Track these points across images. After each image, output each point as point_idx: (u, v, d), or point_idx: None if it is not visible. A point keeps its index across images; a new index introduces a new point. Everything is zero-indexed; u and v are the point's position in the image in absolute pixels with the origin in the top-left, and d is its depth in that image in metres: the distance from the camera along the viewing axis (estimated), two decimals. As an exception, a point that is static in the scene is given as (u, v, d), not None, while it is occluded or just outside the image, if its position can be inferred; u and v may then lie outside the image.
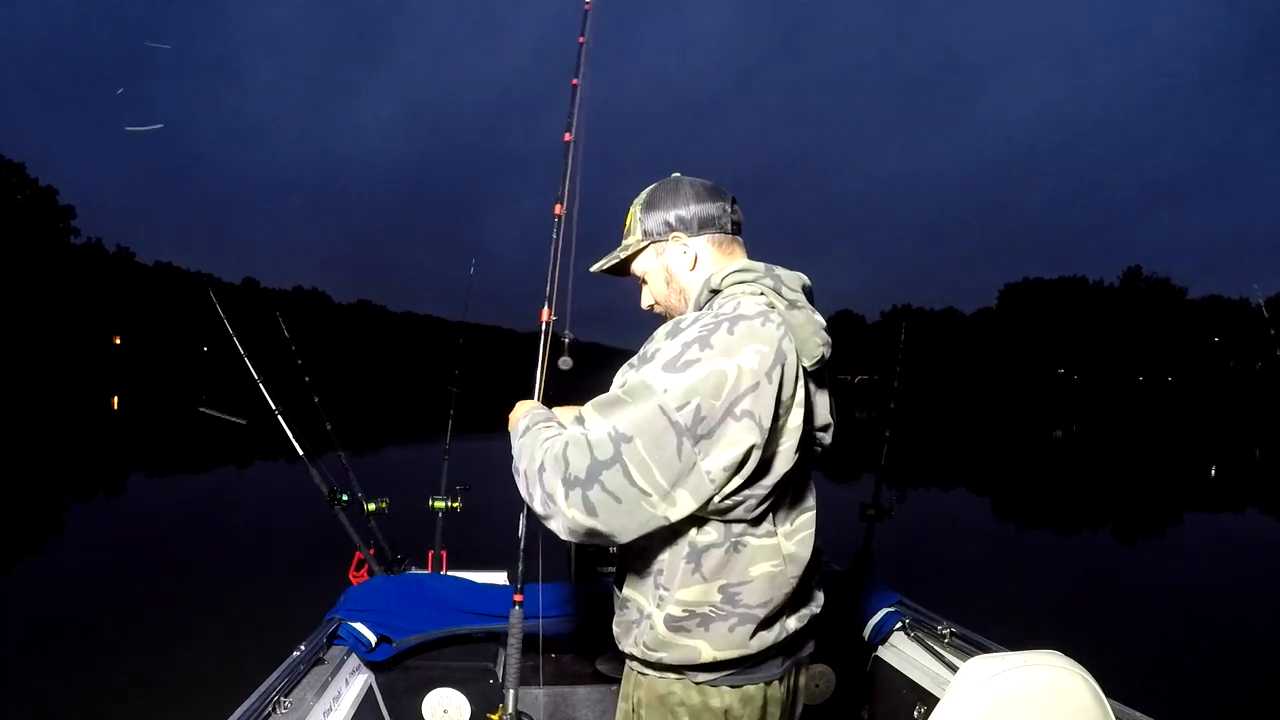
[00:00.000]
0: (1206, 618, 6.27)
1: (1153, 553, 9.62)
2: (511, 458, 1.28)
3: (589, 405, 1.19)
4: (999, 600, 6.11)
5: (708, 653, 1.27)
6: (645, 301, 1.50)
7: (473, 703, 2.50)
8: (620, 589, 1.39)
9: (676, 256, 1.41)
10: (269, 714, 1.80)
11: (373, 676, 2.42)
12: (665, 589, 1.28)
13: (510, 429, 1.35)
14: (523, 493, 1.22)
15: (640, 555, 1.32)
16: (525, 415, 1.34)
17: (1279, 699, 4.60)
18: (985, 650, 2.16)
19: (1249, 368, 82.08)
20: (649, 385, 1.15)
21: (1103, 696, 1.23)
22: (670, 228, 1.40)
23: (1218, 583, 7.58)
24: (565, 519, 1.15)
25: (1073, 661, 1.24)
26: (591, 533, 1.16)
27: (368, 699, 2.34)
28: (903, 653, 2.46)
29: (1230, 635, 5.86)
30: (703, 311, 1.28)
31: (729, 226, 1.41)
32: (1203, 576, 7.93)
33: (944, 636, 2.34)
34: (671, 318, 1.43)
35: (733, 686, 1.31)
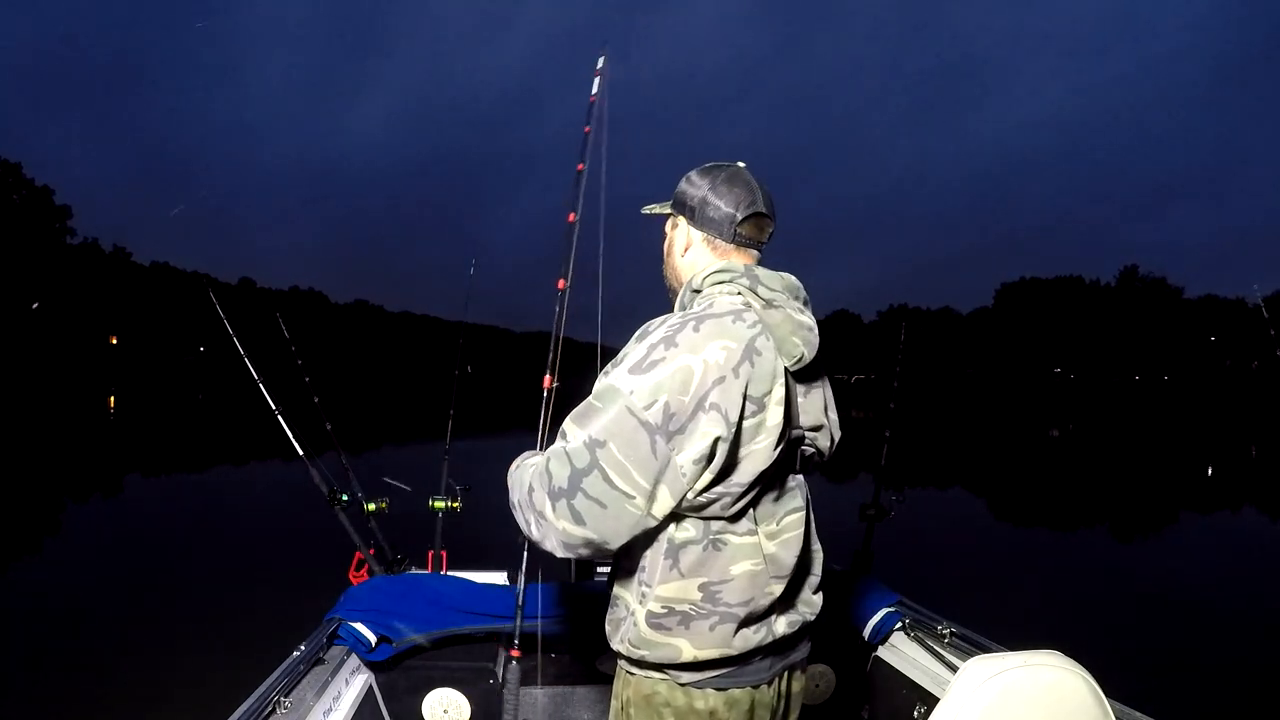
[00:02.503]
0: (1205, 616, 6.29)
1: (1151, 552, 9.65)
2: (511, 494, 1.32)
3: (567, 419, 1.22)
4: (999, 600, 6.12)
5: (689, 651, 1.27)
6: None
7: (473, 703, 2.50)
8: (611, 587, 1.40)
9: (680, 237, 1.45)
10: (269, 714, 1.80)
11: (373, 676, 2.42)
12: (647, 585, 1.29)
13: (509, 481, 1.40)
14: (520, 524, 1.25)
15: (627, 553, 1.32)
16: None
17: (1278, 698, 4.61)
18: (985, 650, 2.16)
19: (1245, 367, 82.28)
20: (616, 388, 1.19)
21: (1103, 696, 1.23)
22: (684, 208, 1.42)
23: (1216, 581, 7.61)
24: (556, 532, 1.17)
25: (1073, 661, 1.24)
26: (585, 542, 1.19)
27: (368, 699, 2.34)
28: (903, 653, 2.47)
29: (1229, 634, 5.88)
30: (697, 306, 1.32)
31: (730, 236, 1.38)
32: (1201, 575, 7.96)
33: (944, 636, 2.34)
34: (668, 284, 1.50)
35: (718, 689, 1.31)
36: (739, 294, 1.31)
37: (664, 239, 1.52)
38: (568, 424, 1.22)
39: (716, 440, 1.18)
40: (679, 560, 1.26)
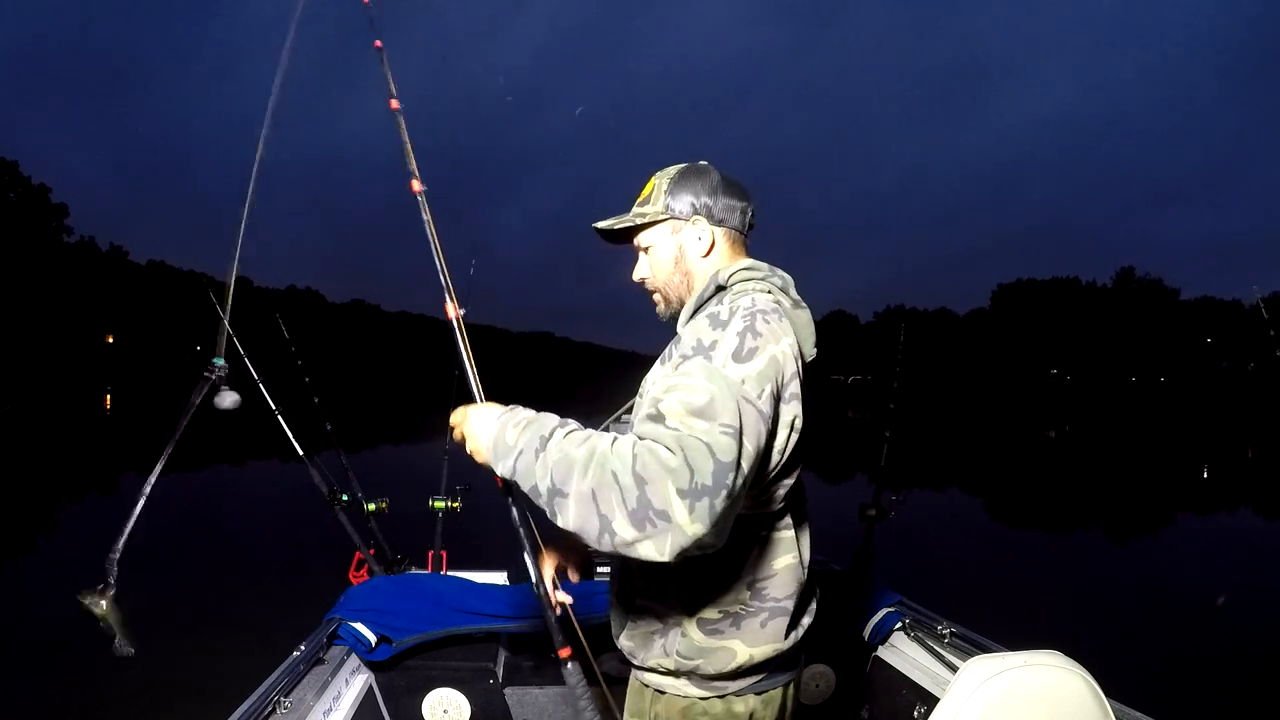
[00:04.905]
0: (1203, 617, 6.30)
1: (1149, 552, 9.66)
2: (498, 477, 1.17)
3: (671, 402, 1.06)
4: (999, 600, 6.13)
5: (743, 653, 1.26)
6: (639, 273, 1.45)
7: (473, 703, 2.50)
8: (631, 599, 1.34)
9: (692, 240, 1.38)
10: (269, 714, 1.80)
11: (373, 676, 2.43)
12: (694, 591, 1.26)
13: (484, 446, 1.17)
14: (578, 521, 1.03)
15: (654, 567, 1.22)
16: (514, 426, 1.14)
17: (1277, 697, 4.63)
18: (985, 650, 2.17)
19: (1241, 368, 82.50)
20: (728, 378, 1.09)
21: (1103, 696, 1.24)
22: (694, 210, 1.37)
23: (1213, 582, 7.62)
24: (682, 537, 0.98)
25: (1073, 661, 1.25)
26: (700, 546, 1.01)
27: (368, 699, 2.34)
28: (903, 653, 2.47)
29: (1227, 634, 5.89)
30: (728, 303, 1.25)
31: (744, 227, 1.41)
32: (1198, 576, 7.97)
33: (944, 636, 2.35)
34: (661, 298, 1.43)
35: (757, 693, 1.31)
36: (769, 292, 1.30)
37: (636, 251, 1.44)
38: (678, 411, 1.04)
39: (791, 431, 1.19)
40: (729, 560, 1.25)
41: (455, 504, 3.21)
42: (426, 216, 1.42)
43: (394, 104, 1.51)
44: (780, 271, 1.37)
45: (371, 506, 3.04)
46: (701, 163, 1.42)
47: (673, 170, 1.41)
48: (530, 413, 1.18)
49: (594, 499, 1.01)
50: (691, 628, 1.26)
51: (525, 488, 1.10)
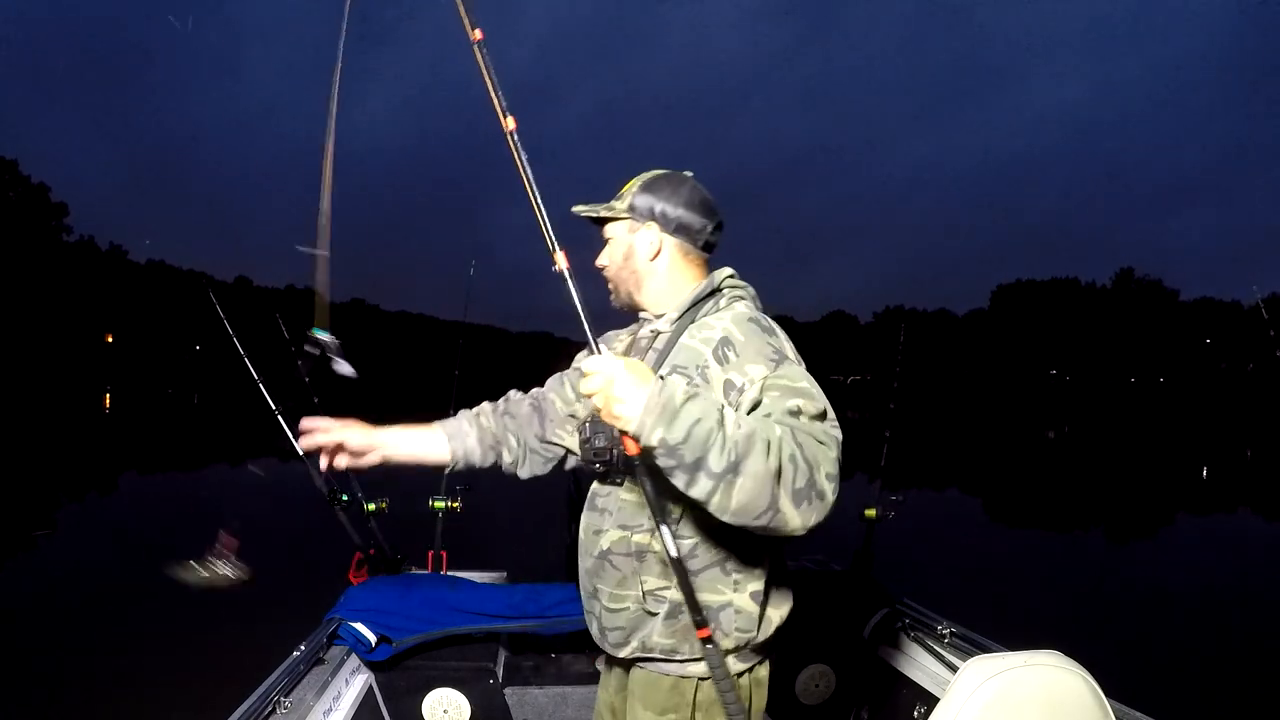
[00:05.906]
0: (1203, 617, 6.31)
1: (1148, 553, 9.67)
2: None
3: (802, 402, 1.21)
4: (999, 600, 6.13)
5: (777, 618, 1.38)
6: (600, 260, 1.55)
7: (473, 703, 2.50)
8: (658, 605, 1.34)
9: (643, 243, 1.48)
10: (269, 714, 1.80)
11: (373, 676, 2.43)
12: (739, 570, 1.33)
13: (644, 404, 1.07)
14: (747, 497, 1.07)
15: (703, 550, 1.32)
16: (683, 391, 1.09)
17: (1277, 697, 4.63)
18: (985, 650, 2.18)
19: (1240, 369, 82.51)
20: (808, 376, 1.27)
21: (1103, 696, 1.24)
22: (651, 215, 1.46)
23: (1212, 583, 7.63)
24: (824, 514, 1.14)
25: (1073, 661, 1.25)
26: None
27: (368, 699, 2.34)
28: (903, 653, 2.47)
29: (1226, 634, 5.89)
30: (740, 308, 1.41)
31: (701, 243, 1.49)
32: (1198, 577, 7.98)
33: (944, 636, 2.35)
34: (614, 287, 1.53)
35: (770, 657, 1.42)
36: (745, 300, 1.46)
37: (602, 242, 1.54)
38: (813, 410, 1.21)
39: None
40: (765, 537, 1.32)
41: (455, 504, 3.21)
42: (523, 157, 1.27)
43: (477, 34, 1.32)
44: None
45: (371, 506, 3.03)
46: (685, 173, 1.50)
47: (651, 173, 1.50)
48: (692, 388, 1.13)
49: (775, 478, 1.08)
50: (744, 600, 1.33)
51: (687, 458, 1.05)
